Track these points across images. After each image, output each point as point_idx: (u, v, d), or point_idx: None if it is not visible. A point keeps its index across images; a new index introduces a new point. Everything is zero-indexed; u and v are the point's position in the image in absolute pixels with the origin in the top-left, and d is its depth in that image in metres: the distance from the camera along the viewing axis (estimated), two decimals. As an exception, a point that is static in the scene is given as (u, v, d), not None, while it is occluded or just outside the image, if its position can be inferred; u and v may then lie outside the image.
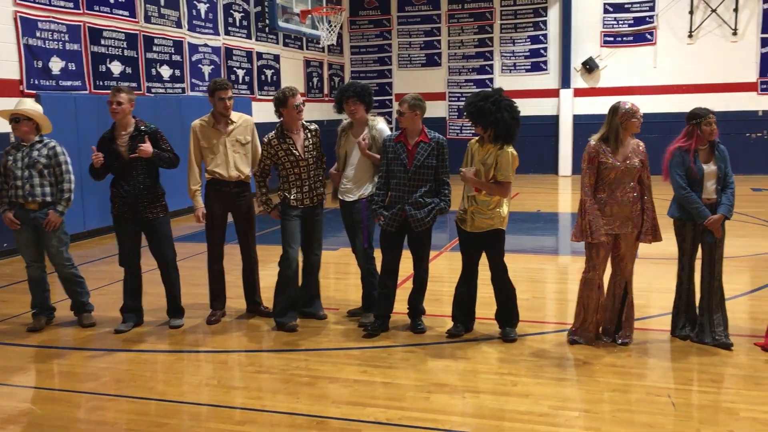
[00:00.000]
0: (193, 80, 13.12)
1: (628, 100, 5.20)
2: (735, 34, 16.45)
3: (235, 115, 6.03)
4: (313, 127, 5.95)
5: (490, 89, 5.40)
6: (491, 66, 18.50)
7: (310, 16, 14.92)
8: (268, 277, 6.52)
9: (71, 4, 10.33)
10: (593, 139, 5.11)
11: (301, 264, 5.96)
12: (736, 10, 16.32)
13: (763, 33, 16.30)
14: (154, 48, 12.12)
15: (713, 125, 5.03)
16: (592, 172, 5.06)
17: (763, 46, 16.35)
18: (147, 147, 5.68)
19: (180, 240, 9.38)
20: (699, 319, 5.28)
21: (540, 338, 5.52)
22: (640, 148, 5.11)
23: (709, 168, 5.08)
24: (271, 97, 5.96)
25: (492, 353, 5.19)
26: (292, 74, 16.64)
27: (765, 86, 16.40)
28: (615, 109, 5.08)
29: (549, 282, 7.82)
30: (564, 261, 8.90)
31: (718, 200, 5.08)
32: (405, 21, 19.10)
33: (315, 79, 17.96)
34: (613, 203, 5.04)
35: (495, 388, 4.56)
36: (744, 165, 14.18)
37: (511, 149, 5.25)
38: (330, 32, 15.31)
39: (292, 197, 5.75)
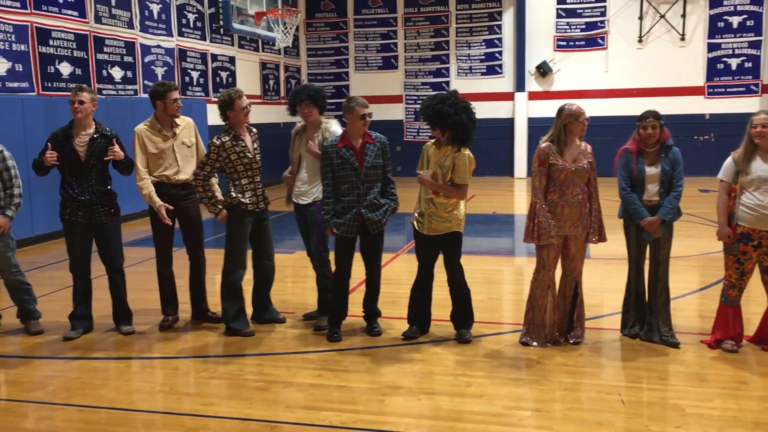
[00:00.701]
0: (146, 82, 12.91)
1: (575, 103, 5.29)
2: (683, 39, 16.89)
3: (177, 118, 5.96)
4: (254, 129, 5.90)
5: (445, 92, 5.42)
6: (447, 69, 18.63)
7: (265, 18, 14.80)
8: (212, 282, 6.43)
9: (18, 4, 10.07)
10: (543, 141, 5.20)
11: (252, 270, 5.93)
12: (683, 15, 16.77)
13: (709, 38, 16.77)
14: (105, 49, 11.89)
15: (649, 129, 5.14)
16: (543, 174, 5.13)
17: (709, 51, 16.82)
18: (119, 150, 5.62)
19: (130, 245, 9.23)
20: (647, 318, 5.40)
21: (495, 339, 5.57)
22: (588, 150, 5.21)
23: (652, 170, 5.18)
24: (228, 100, 5.86)
25: (447, 355, 5.22)
26: (247, 76, 16.50)
27: (712, 90, 16.87)
28: (560, 110, 5.17)
29: (505, 283, 7.91)
30: (520, 262, 9.00)
31: (661, 202, 5.19)
32: (361, 24, 19.12)
33: (271, 81, 17.84)
34: (564, 204, 5.12)
35: (450, 390, 4.58)
36: (692, 167, 14.49)
37: (467, 152, 5.29)
38: (285, 34, 15.22)
39: (248, 201, 5.65)
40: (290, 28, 15.35)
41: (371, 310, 5.75)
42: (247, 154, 5.64)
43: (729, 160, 5.08)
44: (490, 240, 10.45)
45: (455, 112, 5.17)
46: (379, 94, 18.63)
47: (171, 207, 5.77)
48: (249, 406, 4.38)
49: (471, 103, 5.38)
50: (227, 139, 5.59)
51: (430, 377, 4.81)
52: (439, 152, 5.32)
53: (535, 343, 5.33)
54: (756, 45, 16.55)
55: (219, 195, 5.75)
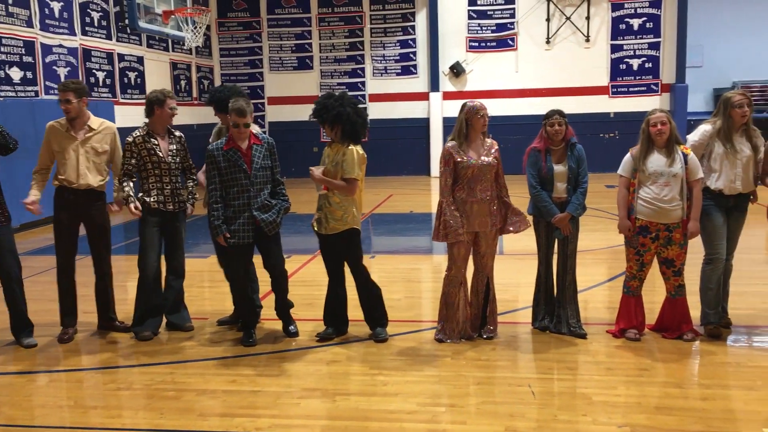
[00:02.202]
0: (47, 83, 12.35)
1: (477, 100, 5.40)
2: (588, 40, 17.53)
3: (96, 122, 5.71)
4: (178, 133, 5.78)
5: (330, 92, 5.52)
6: (363, 69, 18.68)
7: (173, 16, 14.42)
8: (123, 289, 6.23)
9: None
10: (449, 141, 5.29)
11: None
12: (588, 18, 17.41)
13: (612, 40, 17.47)
14: (2, 48, 11.30)
15: (556, 125, 5.31)
16: (449, 173, 5.21)
17: (612, 52, 17.52)
18: None
19: (33, 254, 8.80)
20: (557, 311, 5.56)
21: (412, 337, 5.61)
22: (494, 146, 5.33)
23: (560, 168, 5.35)
24: (135, 101, 5.73)
25: (364, 355, 5.22)
26: (157, 77, 16.03)
27: (615, 90, 17.58)
28: (463, 106, 5.29)
29: (423, 281, 7.98)
30: (438, 260, 9.10)
31: (569, 199, 5.36)
32: (275, 24, 18.92)
33: (183, 82, 17.41)
34: (473, 201, 5.21)
35: (365, 389, 4.58)
36: (598, 164, 15.08)
37: (357, 147, 5.32)
38: (195, 34, 14.88)
39: (152, 200, 5.57)
40: (200, 28, 15.03)
41: (284, 310, 5.68)
42: (158, 152, 5.53)
43: (627, 156, 5.30)
44: (407, 239, 10.55)
45: (340, 105, 5.25)
46: (295, 94, 18.50)
47: (36, 210, 5.54)
48: (159, 416, 4.25)
49: (361, 101, 5.48)
50: (138, 134, 5.57)
51: (347, 378, 4.80)
52: (332, 150, 5.35)
53: (449, 340, 5.40)
54: (655, 46, 17.36)
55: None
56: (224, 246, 5.30)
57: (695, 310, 5.46)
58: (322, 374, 4.87)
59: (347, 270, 5.53)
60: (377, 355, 5.21)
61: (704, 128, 5.34)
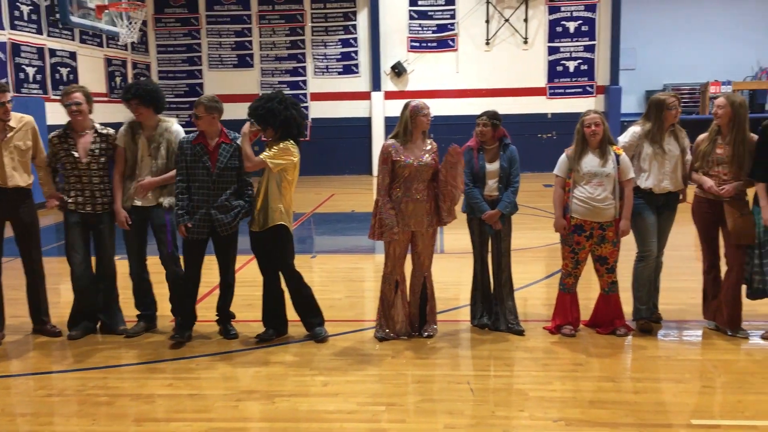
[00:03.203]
0: (-27, 78, 11.85)
1: (421, 100, 5.45)
2: (526, 42, 17.86)
3: (15, 118, 5.47)
4: (106, 131, 5.58)
5: (271, 92, 5.44)
6: (304, 68, 18.57)
7: (107, 11, 14.03)
8: (56, 292, 6.04)
9: None
10: (388, 139, 5.31)
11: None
12: (526, 20, 17.73)
13: (549, 42, 17.84)
14: (-76, 41, 10.79)
15: (481, 126, 5.41)
16: (387, 172, 5.24)
17: (550, 54, 17.89)
18: None
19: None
20: (494, 308, 5.65)
21: (353, 336, 5.61)
22: (433, 146, 5.37)
23: (492, 167, 5.44)
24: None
25: (304, 356, 5.19)
26: (91, 73, 15.58)
27: (553, 91, 17.96)
28: (406, 105, 5.32)
29: (365, 280, 7.98)
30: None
31: (500, 197, 5.45)
32: (214, 20, 18.63)
33: (118, 79, 16.97)
34: (409, 200, 5.24)
35: (305, 390, 4.56)
36: (536, 163, 15.42)
37: (295, 148, 5.28)
38: (131, 30, 14.52)
39: (70, 200, 5.47)
40: (135, 23, 14.67)
41: (225, 314, 5.61)
42: (73, 153, 5.41)
43: (563, 157, 5.41)
44: (348, 238, 10.54)
45: (285, 108, 5.21)
46: (235, 92, 18.23)
47: None
48: (92, 422, 4.13)
49: (303, 101, 5.47)
50: (55, 134, 5.49)
51: (286, 379, 4.76)
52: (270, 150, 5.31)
53: (389, 338, 5.42)
54: (590, 49, 17.81)
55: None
56: (184, 237, 5.29)
57: (627, 306, 5.62)
58: (261, 376, 4.82)
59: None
60: (317, 355, 5.19)
61: (634, 130, 5.50)
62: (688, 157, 5.47)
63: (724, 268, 5.48)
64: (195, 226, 5.24)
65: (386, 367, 4.96)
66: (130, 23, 14.66)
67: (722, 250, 5.46)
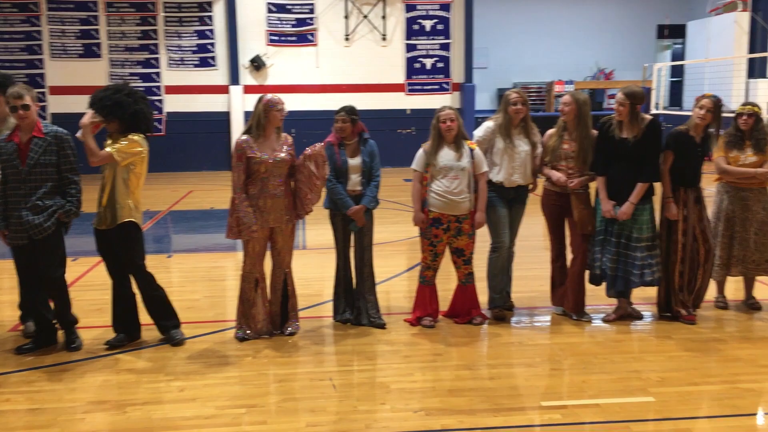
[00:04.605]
0: None
1: (276, 94, 5.33)
2: (384, 39, 18.09)
3: None
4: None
5: (117, 83, 5.16)
6: (157, 59, 17.75)
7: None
8: None
9: None
10: (242, 134, 5.19)
11: None
12: (384, 17, 17.96)
13: (407, 39, 18.18)
14: None
15: (339, 122, 5.42)
16: (242, 169, 5.11)
17: (407, 51, 18.23)
18: None
19: None
20: (356, 303, 5.66)
21: (211, 338, 5.42)
22: (288, 140, 5.29)
23: (354, 162, 5.45)
24: None
25: (158, 360, 4.95)
26: None
27: (411, 88, 18.34)
28: (260, 98, 5.21)
29: (225, 279, 7.73)
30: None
31: (363, 192, 5.47)
32: (56, 7, 17.35)
33: (-55, 67, 15.43)
34: (266, 197, 5.14)
35: (160, 397, 4.34)
36: (396, 158, 15.66)
37: (143, 140, 5.05)
38: (-41, 13, 13.22)
39: None
40: (-35, 6, 13.38)
41: (66, 320, 5.20)
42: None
43: (420, 152, 5.52)
44: (207, 236, 10.21)
45: (135, 102, 4.97)
46: (81, 84, 17.09)
47: None
48: None
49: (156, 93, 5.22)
50: None
51: (139, 386, 4.51)
52: (113, 143, 5.00)
53: (249, 337, 5.29)
54: (446, 47, 18.33)
55: None
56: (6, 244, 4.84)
57: (483, 296, 5.83)
58: (112, 385, 4.54)
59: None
60: (173, 359, 4.96)
61: (487, 124, 5.71)
62: (539, 151, 5.74)
63: (570, 256, 5.81)
64: (12, 231, 4.82)
65: (247, 367, 4.83)
66: (-42, 6, 13.37)
67: (569, 240, 5.79)
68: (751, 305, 6.02)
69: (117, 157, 4.88)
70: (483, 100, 18.98)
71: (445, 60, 18.34)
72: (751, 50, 17.49)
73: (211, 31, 17.86)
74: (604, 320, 5.72)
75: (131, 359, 4.98)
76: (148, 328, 5.37)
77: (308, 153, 5.15)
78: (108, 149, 4.89)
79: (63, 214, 4.90)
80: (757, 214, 5.72)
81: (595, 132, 5.57)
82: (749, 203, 5.74)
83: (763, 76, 17.52)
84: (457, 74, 18.33)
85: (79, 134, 4.91)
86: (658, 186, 5.53)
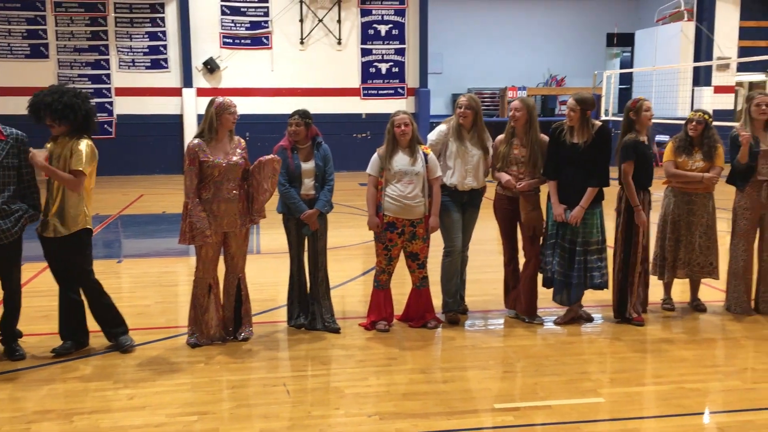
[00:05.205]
0: None
1: (228, 97, 5.27)
2: (339, 43, 18.08)
3: None
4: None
5: (53, 85, 5.00)
6: (107, 61, 17.40)
7: None
8: None
9: None
10: (194, 138, 5.12)
11: None
12: (339, 21, 17.95)
13: (362, 44, 18.20)
14: None
15: (293, 126, 5.39)
16: (194, 173, 5.04)
17: (363, 55, 18.25)
18: None
19: None
20: (311, 308, 5.63)
21: (162, 344, 5.32)
22: (242, 144, 5.24)
23: (307, 166, 5.43)
24: None
25: (106, 367, 4.84)
26: None
27: (366, 92, 18.36)
28: (212, 101, 5.14)
29: (177, 285, 7.60)
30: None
31: (317, 196, 5.46)
32: (2, 6, 16.87)
33: None
34: (220, 201, 5.08)
35: (108, 405, 4.24)
36: (352, 163, 15.65)
37: (89, 140, 4.95)
38: None
39: None
40: None
41: (12, 333, 5.04)
42: None
43: (375, 156, 5.52)
44: (159, 241, 10.03)
45: (83, 102, 4.87)
46: (28, 85, 16.61)
47: None
48: None
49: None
50: None
51: (86, 395, 4.40)
52: (58, 145, 4.88)
53: (202, 343, 5.21)
54: (401, 52, 18.40)
55: None
56: None
57: (437, 299, 5.86)
58: (58, 393, 4.42)
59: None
60: (122, 366, 4.86)
61: (440, 128, 5.75)
62: (490, 155, 5.79)
63: (523, 260, 5.89)
64: None
65: (199, 374, 4.76)
66: None
67: (521, 244, 5.87)
68: (696, 307, 6.18)
69: (87, 170, 4.80)
70: (438, 105, 19.13)
71: (401, 65, 18.41)
72: (696, 59, 18.03)
73: (163, 32, 17.60)
74: (556, 323, 5.81)
75: (79, 367, 4.85)
76: (97, 335, 5.25)
77: (263, 161, 5.10)
78: (77, 167, 4.76)
79: (28, 219, 4.80)
80: (702, 218, 5.89)
81: (544, 137, 5.67)
82: (694, 207, 5.90)
83: (708, 84, 18.09)
84: (412, 79, 18.41)
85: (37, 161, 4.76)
86: (608, 191, 5.64)
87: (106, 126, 16.88)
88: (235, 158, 5.09)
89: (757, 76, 19.02)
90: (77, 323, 5.10)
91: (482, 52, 19.92)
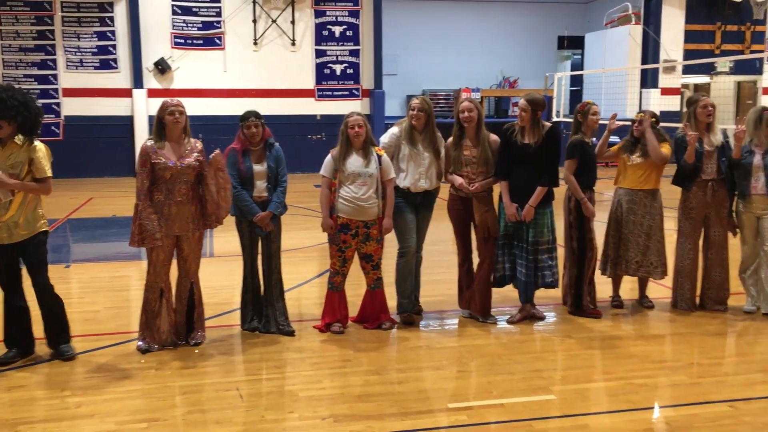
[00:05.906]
0: None
1: (175, 98, 5.21)
2: (294, 44, 17.98)
3: None
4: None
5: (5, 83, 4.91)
6: (54, 61, 16.98)
7: None
8: None
9: None
10: (147, 139, 5.05)
11: None
12: (293, 22, 17.86)
13: (316, 45, 18.15)
14: None
15: (252, 128, 5.33)
16: (146, 175, 4.96)
17: (317, 57, 18.20)
18: None
19: None
20: (265, 311, 5.59)
21: (112, 350, 5.21)
22: (197, 146, 5.17)
23: (259, 168, 5.39)
24: None
25: (53, 376, 4.72)
26: None
27: (321, 93, 18.31)
28: (161, 104, 5.08)
29: (131, 289, 7.45)
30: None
31: (269, 198, 5.42)
32: (-58, 3, 16.35)
33: None
34: (171, 204, 5.00)
35: (54, 414, 4.14)
36: (307, 164, 15.57)
37: (41, 143, 4.84)
38: None
39: None
40: None
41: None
42: None
43: (328, 158, 5.51)
44: (109, 245, 9.83)
45: (32, 99, 4.77)
46: (-30, 85, 16.16)
47: None
48: None
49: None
50: None
51: (32, 404, 4.29)
52: (5, 150, 4.72)
53: (153, 349, 5.13)
54: (356, 53, 18.41)
55: None
56: None
57: (392, 300, 5.87)
58: (3, 403, 4.29)
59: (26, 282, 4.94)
60: (69, 374, 4.74)
61: (392, 131, 5.76)
62: (442, 157, 5.83)
63: (477, 260, 5.94)
64: None
65: (150, 380, 4.67)
66: None
67: (475, 244, 5.92)
68: (644, 304, 6.33)
69: (51, 172, 4.74)
70: (392, 107, 19.18)
71: (355, 66, 18.42)
72: (644, 61, 18.48)
73: (112, 32, 17.25)
74: (509, 322, 5.88)
75: (24, 375, 4.72)
76: (43, 342, 5.11)
77: (210, 158, 5.06)
78: (45, 174, 4.74)
79: None
80: (643, 218, 6.02)
81: (495, 137, 5.74)
82: (635, 207, 6.02)
83: (655, 86, 18.56)
84: (366, 80, 18.43)
85: (7, 198, 4.65)
86: (558, 191, 5.74)
87: (53, 127, 16.49)
88: (188, 160, 5.02)
89: (701, 78, 19.60)
90: (22, 331, 4.96)
91: (437, 54, 20.07)
